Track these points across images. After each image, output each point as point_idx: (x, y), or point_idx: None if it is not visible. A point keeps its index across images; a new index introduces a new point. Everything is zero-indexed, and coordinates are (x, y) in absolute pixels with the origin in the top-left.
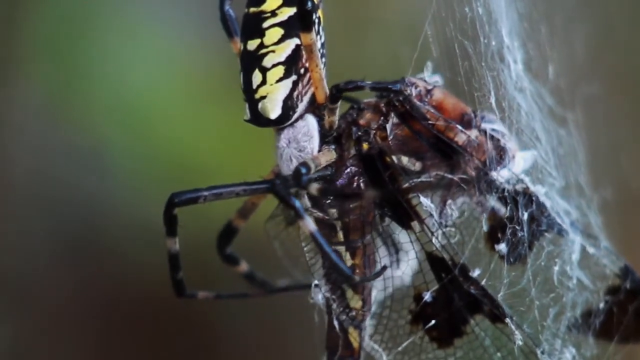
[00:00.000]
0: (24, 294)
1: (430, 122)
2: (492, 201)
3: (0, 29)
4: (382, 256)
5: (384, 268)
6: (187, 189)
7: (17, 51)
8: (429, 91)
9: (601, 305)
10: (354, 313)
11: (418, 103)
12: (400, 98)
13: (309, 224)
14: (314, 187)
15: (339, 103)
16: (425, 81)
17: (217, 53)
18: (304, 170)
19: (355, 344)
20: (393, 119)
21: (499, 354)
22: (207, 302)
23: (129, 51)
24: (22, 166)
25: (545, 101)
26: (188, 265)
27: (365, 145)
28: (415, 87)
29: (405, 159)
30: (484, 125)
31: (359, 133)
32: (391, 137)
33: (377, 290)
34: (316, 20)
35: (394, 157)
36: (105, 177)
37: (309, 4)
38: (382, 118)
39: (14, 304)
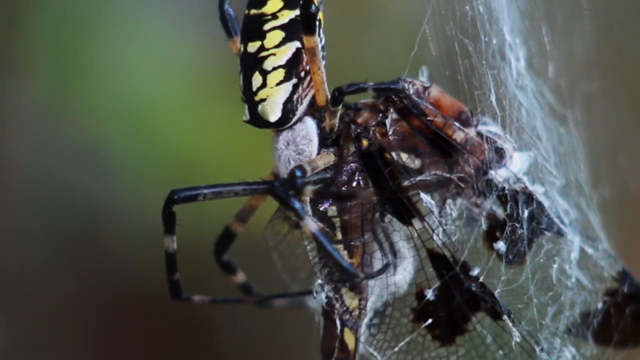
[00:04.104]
0: (24, 293)
1: (428, 118)
2: (491, 201)
3: (1, 28)
4: (382, 255)
5: (387, 265)
6: (187, 187)
7: (17, 51)
8: (426, 88)
9: (599, 305)
10: (356, 312)
11: (417, 100)
12: (401, 96)
13: (310, 225)
14: (309, 190)
15: (341, 105)
16: (421, 81)
17: (218, 52)
18: (298, 174)
19: (351, 346)
20: (392, 114)
21: (501, 352)
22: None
23: (129, 50)
24: (22, 166)
25: (546, 99)
26: (186, 267)
27: (364, 142)
28: (413, 85)
29: (404, 156)
30: (480, 128)
31: (358, 130)
32: (391, 132)
33: (379, 289)
34: (317, 23)
35: (393, 154)
36: (105, 176)
37: (313, 7)
38: (380, 115)
39: (14, 304)
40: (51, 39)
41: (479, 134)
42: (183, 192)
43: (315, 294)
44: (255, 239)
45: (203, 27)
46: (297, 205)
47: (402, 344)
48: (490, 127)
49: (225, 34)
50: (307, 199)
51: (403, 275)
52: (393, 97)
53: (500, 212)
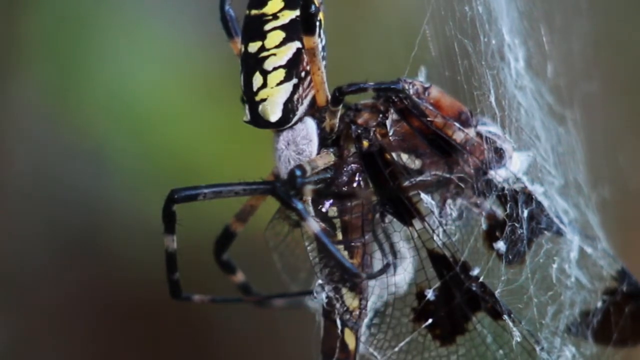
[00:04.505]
0: (23, 294)
1: (428, 119)
2: (490, 201)
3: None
4: (381, 257)
5: (387, 265)
6: (187, 186)
7: (15, 51)
8: (426, 89)
9: (599, 304)
10: (357, 313)
11: (417, 100)
12: (402, 96)
13: (313, 225)
14: (308, 189)
15: (341, 106)
16: (421, 81)
17: (217, 53)
18: (298, 173)
19: (351, 346)
20: (392, 115)
21: (501, 352)
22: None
23: (128, 51)
24: (21, 166)
25: (545, 99)
26: (185, 266)
27: (365, 143)
28: (413, 86)
29: (405, 156)
30: (479, 128)
31: (359, 131)
32: (391, 132)
33: (380, 289)
34: (317, 23)
35: (393, 155)
36: (104, 177)
37: (313, 7)
38: (380, 116)
39: (14, 304)
40: (50, 40)
41: (479, 134)
42: (183, 191)
43: (315, 294)
44: (254, 240)
45: (203, 28)
46: (299, 206)
47: (402, 343)
48: (489, 128)
49: (226, 35)
50: (309, 199)
51: (403, 275)
52: (393, 97)
53: (500, 212)
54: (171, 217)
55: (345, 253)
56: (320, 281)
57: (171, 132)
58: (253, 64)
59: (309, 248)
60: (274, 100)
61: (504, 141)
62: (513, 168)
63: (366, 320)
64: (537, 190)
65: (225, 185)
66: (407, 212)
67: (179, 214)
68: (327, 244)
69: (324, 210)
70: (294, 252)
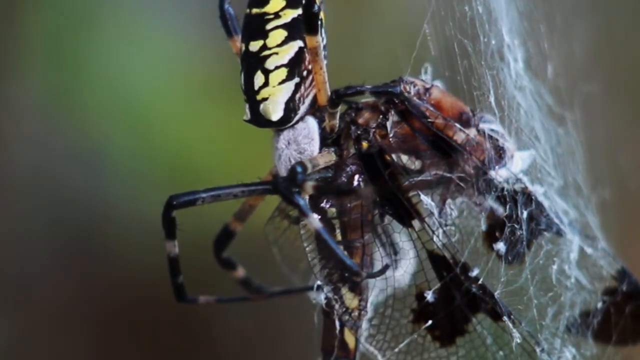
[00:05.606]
0: (24, 293)
1: (429, 120)
2: (491, 200)
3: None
4: (383, 256)
5: (387, 266)
6: (185, 191)
7: (16, 51)
8: (427, 90)
9: (599, 305)
10: (355, 313)
11: (417, 101)
12: (401, 98)
13: (315, 222)
14: (309, 185)
15: (339, 108)
16: (423, 80)
17: (217, 52)
18: (299, 169)
19: (351, 345)
20: (393, 116)
21: (501, 353)
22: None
23: (128, 50)
24: (21, 166)
25: (545, 100)
26: (188, 267)
27: (364, 144)
28: (414, 86)
29: (404, 158)
30: (482, 125)
31: (358, 132)
32: (391, 134)
33: (378, 290)
34: (319, 23)
35: (393, 156)
36: (104, 176)
37: (316, 7)
38: (381, 117)
39: (14, 304)
40: (50, 40)
41: (481, 132)
42: (181, 197)
43: (315, 294)
44: (254, 239)
45: (203, 27)
46: (301, 202)
47: (402, 345)
48: (492, 125)
49: (225, 34)
50: (308, 197)
51: (403, 275)
52: (394, 99)
53: (501, 211)
54: (171, 223)
55: (345, 254)
56: (318, 282)
57: (171, 132)
58: (254, 62)
59: (307, 249)
60: (275, 99)
61: (506, 140)
62: (515, 167)
63: (367, 317)
64: (537, 190)
65: (224, 188)
66: (407, 213)
67: (179, 215)
68: (329, 241)
69: (322, 210)
70: (294, 243)
